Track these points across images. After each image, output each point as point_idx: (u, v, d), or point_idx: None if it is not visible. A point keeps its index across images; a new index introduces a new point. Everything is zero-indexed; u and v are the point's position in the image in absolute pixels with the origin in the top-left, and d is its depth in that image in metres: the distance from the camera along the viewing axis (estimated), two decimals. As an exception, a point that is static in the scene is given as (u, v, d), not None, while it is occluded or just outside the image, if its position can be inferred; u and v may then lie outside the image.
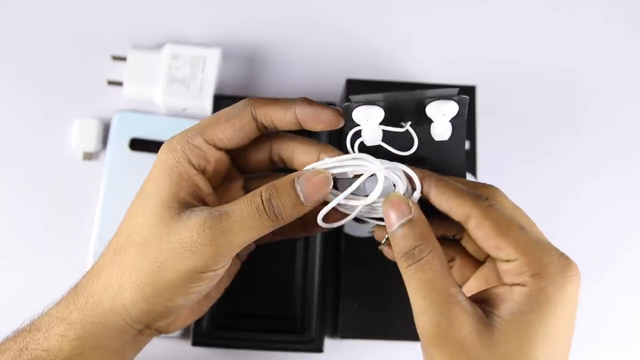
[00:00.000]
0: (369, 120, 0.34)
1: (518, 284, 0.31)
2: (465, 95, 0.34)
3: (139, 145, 0.56)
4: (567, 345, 0.32)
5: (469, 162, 0.54)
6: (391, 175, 0.34)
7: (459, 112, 0.35)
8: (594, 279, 0.57)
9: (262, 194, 0.33)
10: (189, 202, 0.34)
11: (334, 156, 0.35)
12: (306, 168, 0.35)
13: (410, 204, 0.33)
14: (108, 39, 0.60)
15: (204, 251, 0.33)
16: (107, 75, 0.58)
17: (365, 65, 0.61)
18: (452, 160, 0.36)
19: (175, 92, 0.56)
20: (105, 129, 0.57)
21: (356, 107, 0.34)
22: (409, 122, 0.35)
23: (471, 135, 0.55)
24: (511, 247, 0.31)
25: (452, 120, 0.35)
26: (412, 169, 0.34)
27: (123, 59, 0.58)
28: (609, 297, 0.57)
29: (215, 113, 0.36)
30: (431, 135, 0.35)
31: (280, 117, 0.35)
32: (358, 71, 0.58)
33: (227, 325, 0.52)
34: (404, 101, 0.34)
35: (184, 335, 0.53)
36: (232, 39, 0.61)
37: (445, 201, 0.33)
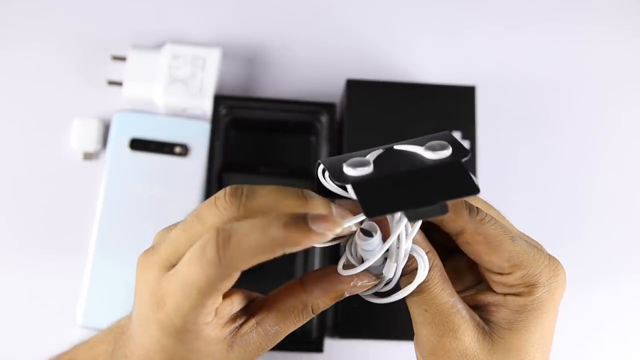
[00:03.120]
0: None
1: (512, 294, 0.32)
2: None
3: (139, 145, 0.56)
4: (552, 340, 0.33)
5: (469, 161, 0.54)
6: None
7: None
8: (595, 277, 0.57)
9: (313, 310, 0.32)
10: (226, 335, 0.32)
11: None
12: None
13: None
14: (108, 39, 0.60)
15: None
16: (107, 75, 0.58)
17: (365, 65, 0.61)
18: None
19: (175, 92, 0.56)
20: (105, 129, 0.57)
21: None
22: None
23: (471, 135, 0.55)
24: (505, 262, 0.31)
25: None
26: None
27: (123, 59, 0.58)
28: (611, 292, 0.57)
29: (184, 283, 0.29)
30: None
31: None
32: (358, 71, 0.58)
33: (227, 325, 0.52)
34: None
35: (184, 335, 0.53)
36: (232, 39, 0.61)
37: None
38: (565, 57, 0.63)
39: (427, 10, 0.63)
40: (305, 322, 0.33)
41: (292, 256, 0.54)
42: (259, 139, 0.58)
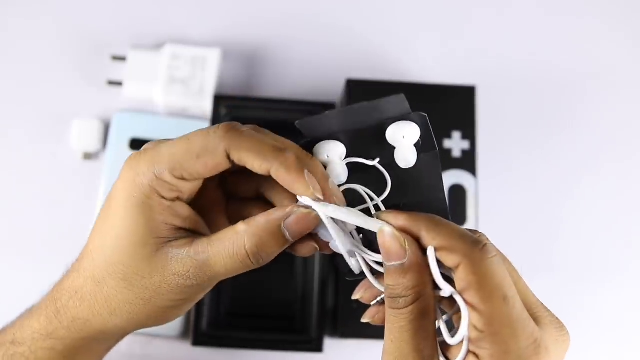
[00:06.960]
0: (330, 157, 0.32)
1: (474, 354, 0.29)
2: (424, 112, 0.31)
3: (139, 145, 0.56)
4: None
5: (469, 161, 0.54)
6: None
7: (422, 134, 0.32)
8: (594, 278, 0.57)
9: (247, 246, 0.31)
10: (165, 236, 0.32)
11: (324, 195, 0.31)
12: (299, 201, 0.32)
13: (407, 246, 0.29)
14: (108, 39, 0.60)
15: (191, 291, 0.33)
16: (107, 75, 0.58)
17: (365, 65, 0.61)
18: (427, 192, 0.32)
19: (175, 92, 0.56)
20: (105, 129, 0.57)
21: (315, 144, 0.32)
22: (377, 159, 0.32)
23: (471, 135, 0.55)
24: (485, 318, 0.28)
25: (417, 145, 0.32)
26: (402, 215, 0.30)
27: (123, 59, 0.58)
28: (608, 295, 0.57)
29: (185, 140, 0.32)
30: (397, 166, 0.32)
31: (255, 168, 0.31)
32: (358, 71, 0.58)
33: (227, 325, 0.52)
34: (361, 128, 0.32)
35: (184, 335, 0.53)
36: (232, 39, 0.61)
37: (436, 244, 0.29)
38: (566, 56, 0.63)
39: (427, 10, 0.63)
40: (237, 262, 0.31)
41: (291, 258, 0.54)
42: (259, 139, 0.58)
